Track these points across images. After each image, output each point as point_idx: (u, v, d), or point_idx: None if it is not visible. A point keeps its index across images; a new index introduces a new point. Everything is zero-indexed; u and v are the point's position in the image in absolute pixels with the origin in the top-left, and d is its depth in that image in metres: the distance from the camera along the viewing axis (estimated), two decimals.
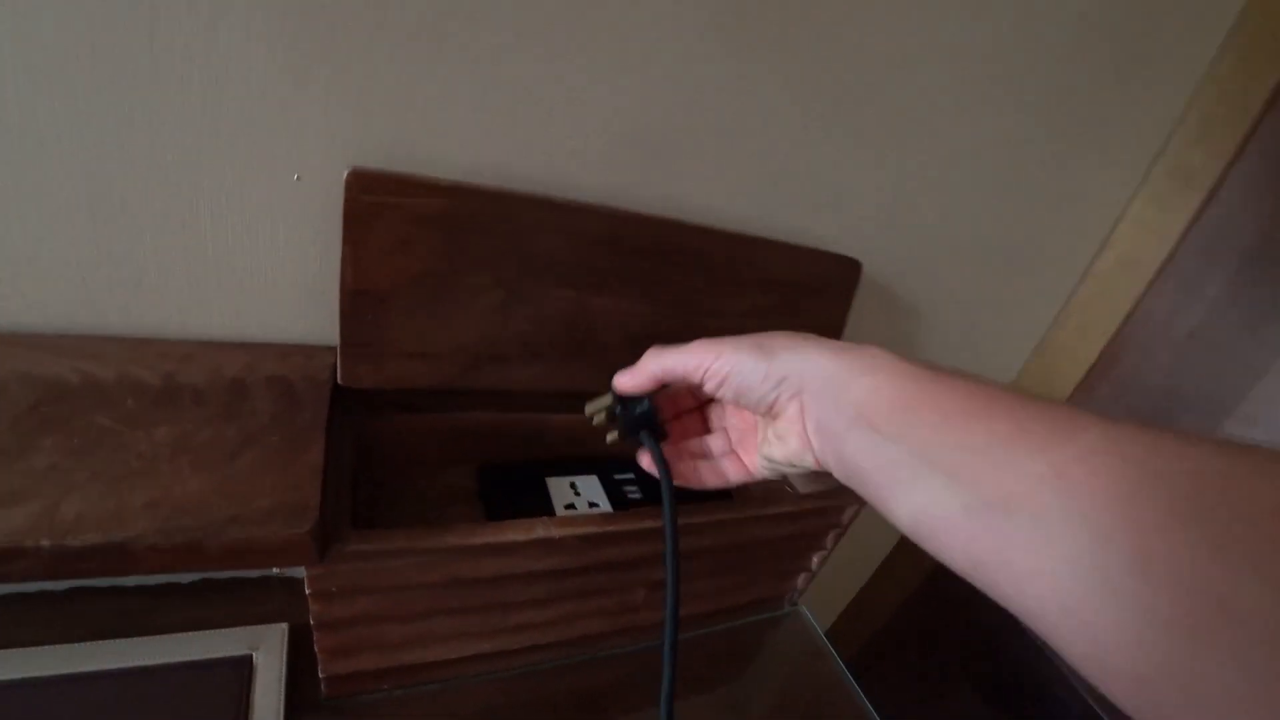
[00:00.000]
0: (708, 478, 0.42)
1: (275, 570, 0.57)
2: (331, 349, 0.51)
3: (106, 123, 0.40)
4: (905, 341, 0.79)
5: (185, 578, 0.56)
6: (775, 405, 0.35)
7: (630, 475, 0.57)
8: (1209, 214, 0.76)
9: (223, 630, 0.52)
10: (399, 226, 0.43)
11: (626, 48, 0.47)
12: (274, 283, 0.49)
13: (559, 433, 0.56)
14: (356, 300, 0.44)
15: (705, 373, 0.37)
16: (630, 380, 0.40)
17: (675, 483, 0.39)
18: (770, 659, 0.64)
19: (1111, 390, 0.87)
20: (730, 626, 0.63)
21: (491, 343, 0.48)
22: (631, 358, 0.42)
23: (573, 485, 0.55)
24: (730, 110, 0.53)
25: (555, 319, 0.49)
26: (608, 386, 0.43)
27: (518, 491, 0.53)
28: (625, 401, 0.41)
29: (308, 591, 0.41)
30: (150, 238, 0.45)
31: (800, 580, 0.65)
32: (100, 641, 0.49)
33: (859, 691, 0.62)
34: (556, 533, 0.45)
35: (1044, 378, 0.91)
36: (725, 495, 0.59)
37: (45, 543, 0.33)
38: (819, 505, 0.56)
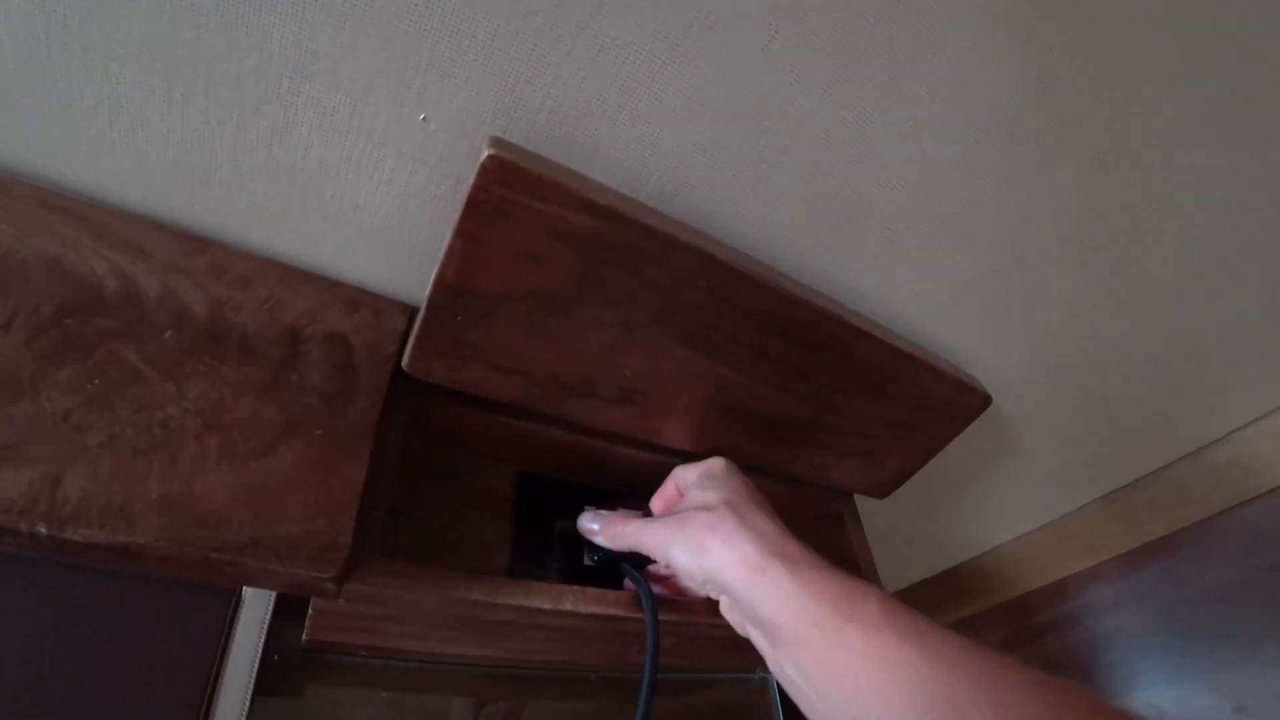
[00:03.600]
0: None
1: None
2: (404, 307, 0.44)
3: None
4: (972, 457, 0.71)
5: None
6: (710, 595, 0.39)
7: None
8: None
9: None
10: (532, 237, 0.34)
11: (909, 128, 0.38)
12: (364, 217, 0.41)
13: (618, 464, 0.50)
14: (453, 298, 0.36)
15: (658, 559, 0.40)
16: (600, 539, 0.43)
17: (669, 594, 0.43)
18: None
19: (1154, 577, 0.82)
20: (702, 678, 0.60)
21: (588, 379, 0.41)
22: (735, 432, 0.43)
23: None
24: (968, 218, 0.43)
25: (667, 376, 0.42)
26: (697, 444, 0.42)
27: (553, 510, 0.48)
28: None
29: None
30: (235, 123, 0.36)
31: None
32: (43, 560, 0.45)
33: None
34: (584, 608, 0.40)
35: (1092, 529, 0.84)
36: None
37: (41, 529, 0.28)
38: None
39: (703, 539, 0.37)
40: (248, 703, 0.40)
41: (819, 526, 0.62)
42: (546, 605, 0.39)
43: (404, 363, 0.40)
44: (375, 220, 0.41)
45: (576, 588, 0.41)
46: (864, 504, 0.63)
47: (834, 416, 0.49)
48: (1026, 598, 0.96)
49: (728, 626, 0.40)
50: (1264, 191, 0.47)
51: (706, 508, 0.38)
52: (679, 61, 0.34)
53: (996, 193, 0.43)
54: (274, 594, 0.47)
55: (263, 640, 0.45)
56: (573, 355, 0.40)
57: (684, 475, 0.43)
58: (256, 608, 0.45)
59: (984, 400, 0.53)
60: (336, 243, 0.42)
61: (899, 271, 0.47)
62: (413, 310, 0.44)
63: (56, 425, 0.30)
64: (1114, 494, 0.82)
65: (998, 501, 0.82)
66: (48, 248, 0.35)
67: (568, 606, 0.40)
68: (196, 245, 0.40)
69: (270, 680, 0.42)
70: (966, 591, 1.02)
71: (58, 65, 0.33)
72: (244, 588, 0.46)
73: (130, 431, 0.32)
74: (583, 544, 0.47)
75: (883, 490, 0.59)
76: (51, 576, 0.41)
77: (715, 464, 0.42)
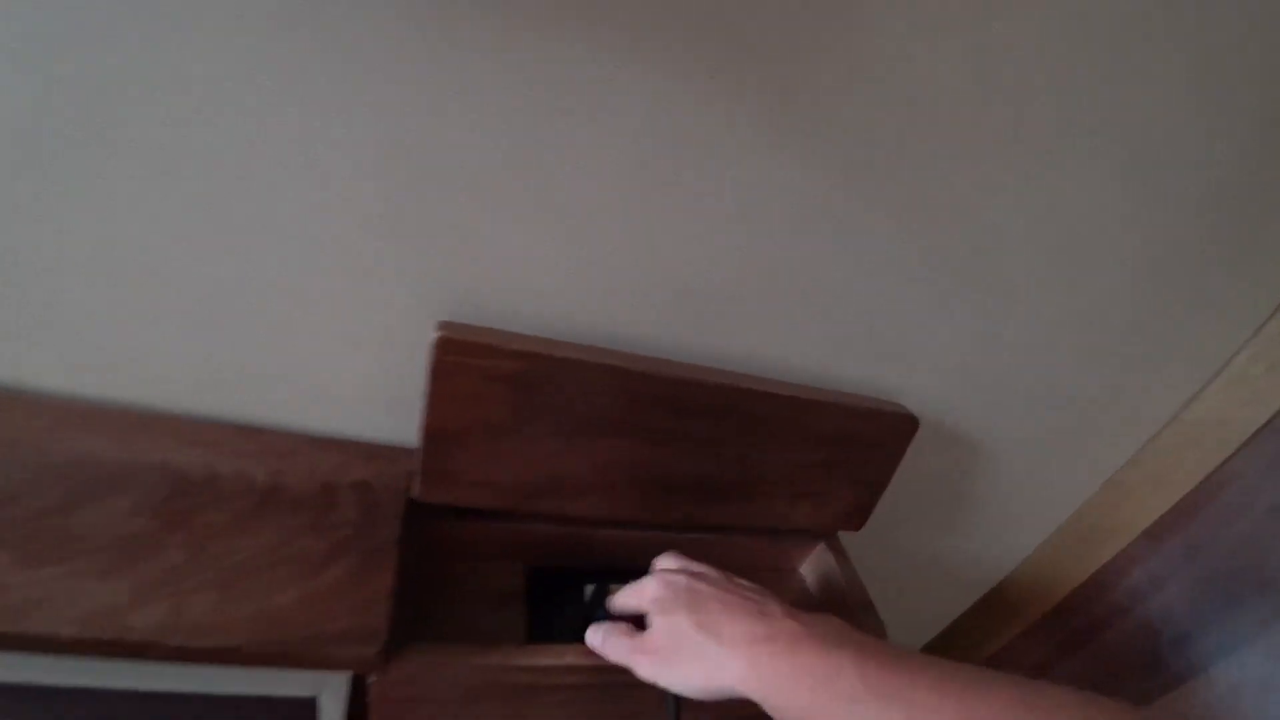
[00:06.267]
0: None
1: None
2: (410, 451, 0.58)
3: (236, 254, 0.48)
4: (963, 476, 0.81)
5: None
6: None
7: None
8: None
9: (292, 671, 0.60)
10: (474, 383, 0.49)
11: (701, 214, 0.52)
12: (367, 394, 0.56)
13: (603, 544, 0.62)
14: (434, 437, 0.50)
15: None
16: (605, 655, 0.46)
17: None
18: None
19: (1180, 548, 0.86)
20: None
21: (548, 480, 0.54)
22: (681, 500, 0.53)
23: (609, 593, 0.61)
24: (813, 266, 0.57)
25: (609, 465, 0.54)
26: (655, 517, 0.51)
27: (559, 594, 0.60)
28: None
29: (370, 681, 0.49)
30: (269, 347, 0.52)
31: None
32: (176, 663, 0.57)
33: None
34: (585, 661, 0.51)
35: (1107, 515, 0.90)
36: None
37: (174, 641, 0.41)
38: None
39: (689, 673, 0.40)
40: None
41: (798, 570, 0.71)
42: (552, 661, 0.50)
43: (414, 494, 0.53)
44: (374, 394, 0.56)
45: (576, 645, 0.51)
46: (887, 557, 0.71)
47: (762, 470, 0.60)
48: (1069, 600, 0.98)
49: None
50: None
51: (676, 634, 0.41)
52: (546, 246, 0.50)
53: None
54: (345, 704, 0.58)
55: None
56: (528, 464, 0.53)
57: (632, 600, 0.46)
58: (331, 714, 0.57)
59: (909, 423, 0.63)
60: (352, 415, 0.57)
61: (773, 333, 0.60)
62: (411, 453, 0.58)
63: (176, 572, 0.44)
64: (1114, 478, 0.88)
65: (1012, 511, 0.90)
66: (152, 454, 0.50)
67: (569, 660, 0.50)
68: (251, 434, 0.55)
69: None
70: (1009, 612, 1.04)
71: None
72: (318, 696, 0.58)
73: (223, 572, 0.45)
74: (588, 617, 0.57)
75: (852, 524, 0.68)
76: (156, 715, 0.53)
77: (655, 585, 0.45)
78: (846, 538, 0.72)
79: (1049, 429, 0.79)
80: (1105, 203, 0.60)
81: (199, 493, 0.49)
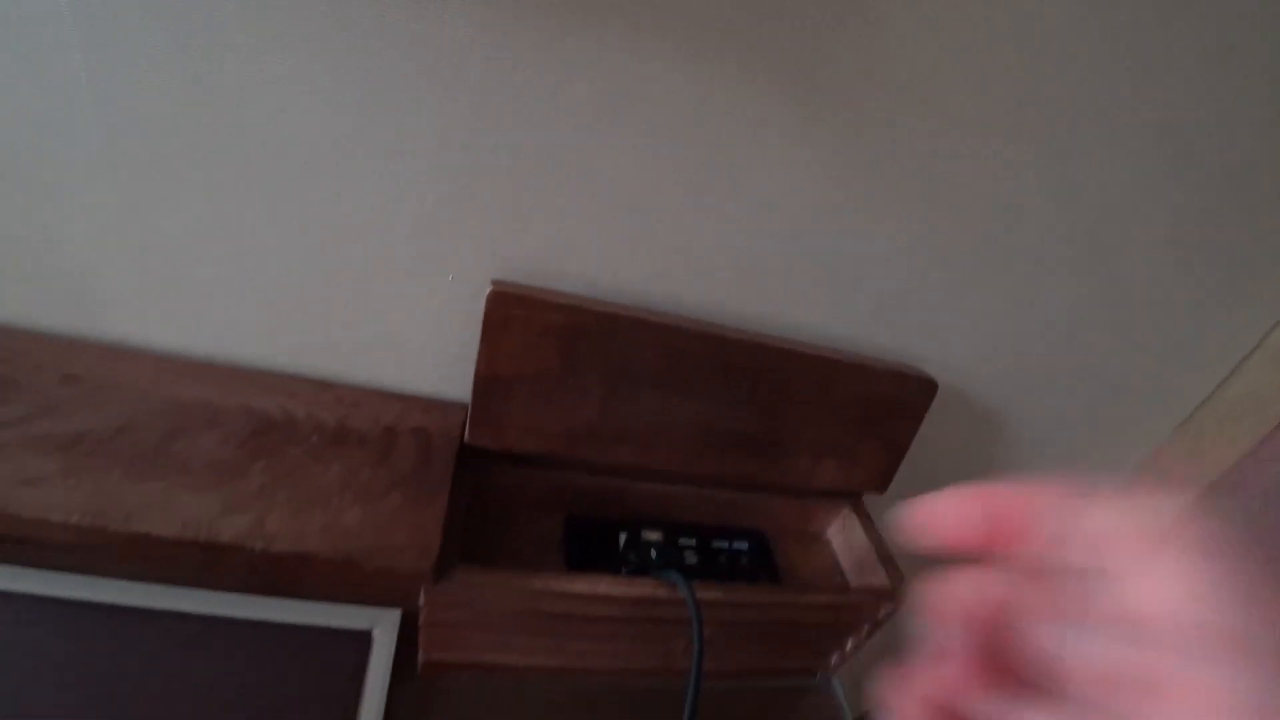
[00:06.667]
0: None
1: None
2: (463, 405, 0.64)
3: (320, 234, 0.54)
4: (987, 450, 0.83)
5: None
6: None
7: (691, 541, 0.66)
8: None
9: (349, 606, 0.65)
10: (525, 335, 0.54)
11: (748, 190, 0.57)
12: (425, 351, 0.61)
13: (640, 497, 0.66)
14: (486, 384, 0.55)
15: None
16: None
17: None
18: None
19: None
20: (759, 688, 0.70)
21: (591, 427, 0.59)
22: (715, 452, 0.59)
23: (641, 543, 0.65)
24: (842, 242, 0.61)
25: (649, 414, 0.59)
26: (690, 468, 0.56)
27: (595, 543, 0.64)
28: None
29: (422, 601, 0.53)
30: (341, 309, 0.58)
31: (834, 659, 0.72)
32: (247, 595, 0.63)
33: None
34: (616, 591, 0.55)
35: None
36: (774, 577, 0.67)
37: (257, 545, 0.47)
38: (857, 600, 0.64)
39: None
40: None
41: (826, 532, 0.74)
42: (587, 589, 0.54)
43: (465, 438, 0.59)
44: (435, 348, 0.61)
45: (609, 576, 0.55)
46: None
47: (792, 426, 0.63)
48: None
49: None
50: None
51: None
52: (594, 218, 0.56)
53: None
54: (395, 638, 0.63)
55: (389, 675, 0.60)
56: (574, 412, 0.58)
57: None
58: (383, 645, 0.62)
59: (929, 385, 0.66)
60: (413, 372, 0.63)
61: (807, 303, 0.64)
62: (465, 407, 0.63)
63: (259, 493, 0.50)
64: (1151, 458, 0.89)
65: None
66: (241, 399, 0.57)
67: (604, 589, 0.54)
68: (324, 386, 0.61)
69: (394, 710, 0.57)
70: None
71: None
72: (373, 629, 0.63)
73: (298, 494, 0.51)
74: (621, 562, 0.62)
75: (877, 485, 0.71)
76: (231, 638, 0.58)
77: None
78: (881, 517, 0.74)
79: (1082, 407, 0.81)
80: (1132, 179, 0.62)
81: (278, 431, 0.55)
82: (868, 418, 0.65)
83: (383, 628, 0.62)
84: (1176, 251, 0.69)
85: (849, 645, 0.69)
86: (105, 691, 0.53)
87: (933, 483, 0.62)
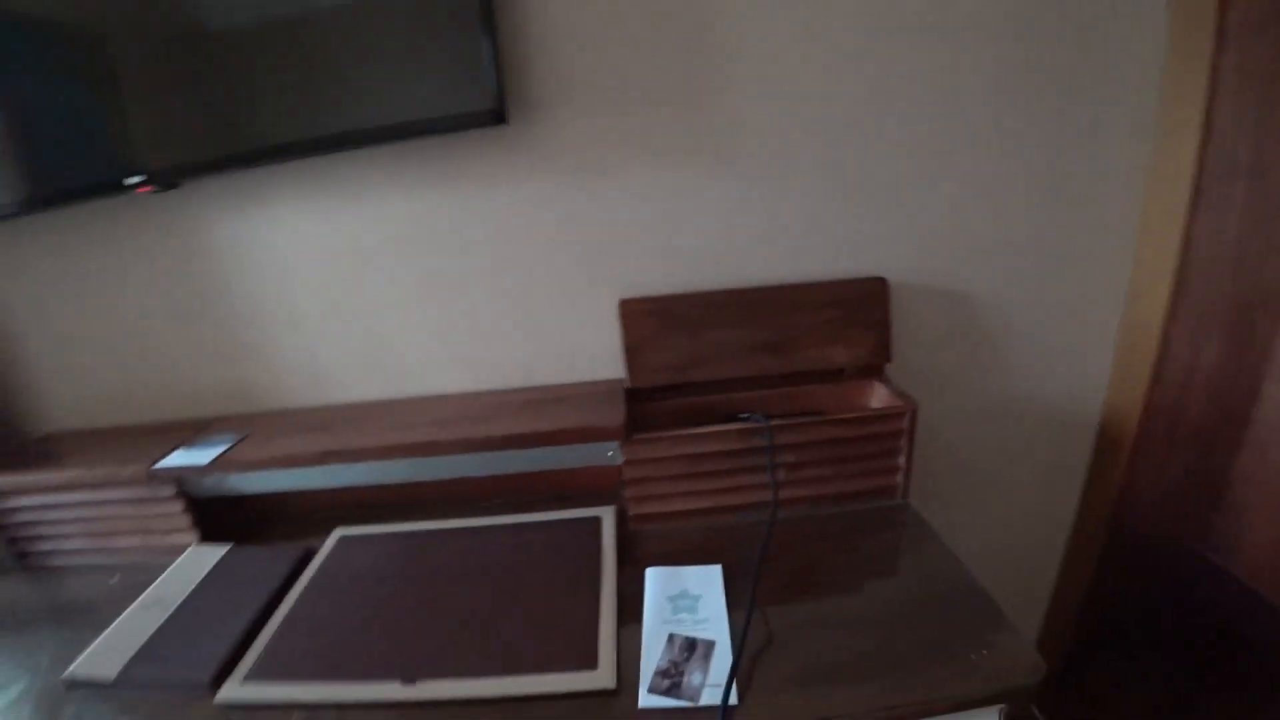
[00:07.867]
0: None
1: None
2: (622, 380, 1.16)
3: (521, 295, 1.14)
4: (976, 327, 1.19)
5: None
6: None
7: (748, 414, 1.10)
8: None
9: (584, 508, 1.13)
10: (639, 319, 1.07)
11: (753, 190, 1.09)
12: (599, 351, 1.16)
13: (729, 404, 1.12)
14: (630, 349, 1.08)
15: None
16: None
17: None
18: (878, 537, 1.06)
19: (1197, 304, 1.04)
20: (844, 510, 1.07)
21: (688, 359, 1.09)
22: (760, 355, 1.05)
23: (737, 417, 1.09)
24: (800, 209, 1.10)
25: (711, 345, 1.08)
26: (749, 372, 1.05)
27: None
28: None
29: (622, 460, 1.02)
30: (544, 338, 1.16)
31: (899, 477, 1.07)
32: (508, 514, 1.13)
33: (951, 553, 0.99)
34: (726, 428, 1.00)
35: (1151, 310, 1.11)
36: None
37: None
38: (885, 412, 1.03)
39: None
40: (614, 569, 0.98)
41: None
42: (708, 432, 1.00)
43: (627, 383, 1.10)
44: (602, 347, 1.16)
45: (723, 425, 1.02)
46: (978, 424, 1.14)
47: (799, 331, 1.09)
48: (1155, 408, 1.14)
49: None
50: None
51: None
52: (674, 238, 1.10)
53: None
54: (615, 519, 1.10)
55: (614, 539, 1.07)
56: (676, 352, 1.08)
57: None
58: (609, 523, 1.10)
59: (878, 281, 1.09)
60: (593, 367, 1.17)
61: (796, 256, 1.11)
62: (622, 378, 1.15)
63: (524, 409, 1.05)
64: (1132, 279, 1.14)
65: (1052, 347, 1.21)
66: (509, 399, 1.14)
67: (717, 428, 1.00)
68: (540, 388, 1.17)
69: (621, 558, 1.04)
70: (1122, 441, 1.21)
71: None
72: (601, 516, 1.11)
73: (545, 409, 1.05)
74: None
75: (881, 356, 1.11)
76: (530, 531, 1.09)
77: None
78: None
79: (1037, 269, 1.15)
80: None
81: (545, 401, 1.11)
82: (846, 314, 1.09)
83: (607, 516, 1.10)
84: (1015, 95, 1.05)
85: (900, 460, 1.05)
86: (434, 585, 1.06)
87: (929, 353, 1.10)
